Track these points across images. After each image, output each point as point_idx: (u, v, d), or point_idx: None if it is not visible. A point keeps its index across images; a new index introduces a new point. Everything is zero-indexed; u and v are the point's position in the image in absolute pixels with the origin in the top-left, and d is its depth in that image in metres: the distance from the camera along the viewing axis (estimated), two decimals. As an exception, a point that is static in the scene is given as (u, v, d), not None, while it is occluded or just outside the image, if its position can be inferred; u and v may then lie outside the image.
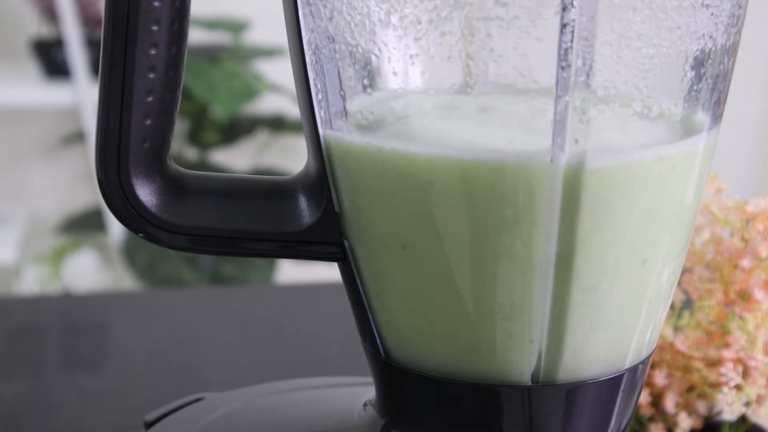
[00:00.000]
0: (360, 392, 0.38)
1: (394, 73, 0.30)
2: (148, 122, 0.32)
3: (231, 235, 0.34)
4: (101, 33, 0.32)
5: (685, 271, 0.44)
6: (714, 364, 0.44)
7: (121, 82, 0.32)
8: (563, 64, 0.28)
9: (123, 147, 0.32)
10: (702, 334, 0.44)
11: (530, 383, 0.31)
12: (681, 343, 0.44)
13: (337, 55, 0.31)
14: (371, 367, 0.35)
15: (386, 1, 0.29)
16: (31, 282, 1.76)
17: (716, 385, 0.43)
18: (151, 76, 0.32)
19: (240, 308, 0.77)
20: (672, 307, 0.46)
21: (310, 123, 0.32)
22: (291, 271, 1.75)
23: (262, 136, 1.84)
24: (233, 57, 1.65)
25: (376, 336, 0.34)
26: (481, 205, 0.29)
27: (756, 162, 2.08)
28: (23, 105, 1.70)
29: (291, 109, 1.78)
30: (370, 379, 0.36)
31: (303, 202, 0.34)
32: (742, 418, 0.44)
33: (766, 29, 1.74)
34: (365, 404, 0.36)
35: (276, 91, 1.66)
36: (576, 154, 0.29)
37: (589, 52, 0.28)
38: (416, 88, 0.31)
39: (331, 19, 0.30)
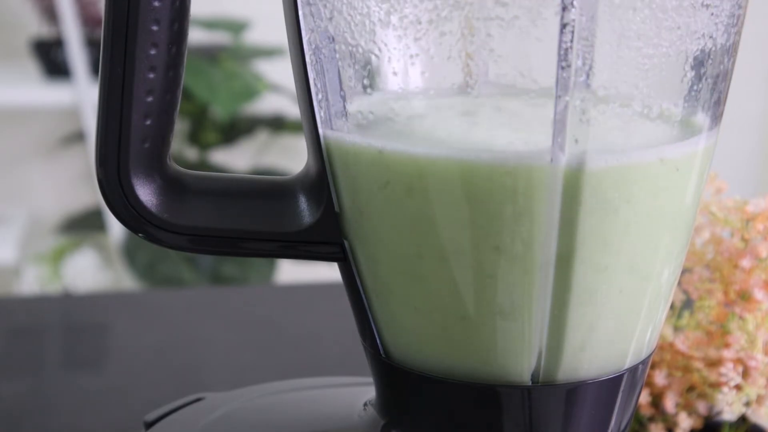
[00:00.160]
0: (360, 392, 0.38)
1: (394, 73, 0.30)
2: (148, 122, 0.32)
3: (231, 235, 0.34)
4: (101, 33, 0.32)
5: (685, 271, 0.44)
6: (714, 364, 0.44)
7: (121, 82, 0.32)
8: (563, 64, 0.28)
9: (123, 147, 0.32)
10: (702, 334, 0.44)
11: (530, 383, 0.31)
12: (681, 343, 0.44)
13: (337, 55, 0.31)
14: (371, 367, 0.35)
15: (386, 1, 0.29)
16: (31, 282, 1.76)
17: (716, 385, 0.43)
18: (151, 76, 0.32)
19: (240, 308, 0.77)
20: (672, 307, 0.46)
21: (310, 123, 0.32)
22: (291, 271, 1.75)
23: (262, 136, 1.84)
24: (233, 57, 1.65)
25: (376, 336, 0.34)
26: (481, 205, 0.29)
27: (756, 162, 2.08)
28: (23, 105, 1.69)
29: (291, 109, 1.78)
30: (370, 379, 0.36)
31: (303, 202, 0.34)
32: (742, 418, 0.44)
33: (766, 29, 1.74)
34: (365, 404, 0.36)
35: (276, 91, 1.66)
36: (576, 154, 0.29)
37: (589, 52, 0.28)
38: (416, 88, 0.31)
39: (331, 19, 0.30)
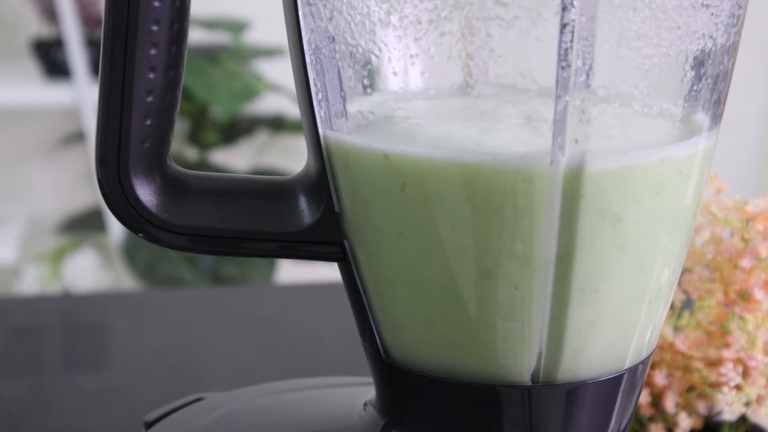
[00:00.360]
0: (360, 392, 0.38)
1: (394, 73, 0.30)
2: (148, 122, 0.32)
3: (231, 235, 0.34)
4: (101, 33, 0.32)
5: (685, 271, 0.44)
6: (714, 364, 0.44)
7: (121, 82, 0.32)
8: (563, 64, 0.28)
9: (123, 147, 0.32)
10: (702, 334, 0.44)
11: (530, 383, 0.31)
12: (681, 343, 0.44)
13: (337, 55, 0.31)
14: (371, 367, 0.35)
15: (386, 1, 0.29)
16: (31, 282, 1.76)
17: (716, 385, 0.43)
18: (151, 76, 0.32)
19: (240, 308, 0.77)
20: (672, 307, 0.46)
21: (310, 123, 0.32)
22: (291, 271, 1.75)
23: (262, 136, 1.84)
24: (233, 57, 1.65)
25: (376, 336, 0.34)
26: (481, 205, 0.29)
27: (756, 162, 2.08)
28: (23, 105, 1.69)
29: (291, 109, 1.78)
30: (370, 379, 0.36)
31: (303, 202, 0.34)
32: (742, 418, 0.44)
33: (766, 29, 1.74)
34: (365, 404, 0.36)
35: (276, 91, 1.66)
36: (576, 155, 0.29)
37: (589, 52, 0.28)
38: (416, 88, 0.31)
39: (331, 19, 0.30)
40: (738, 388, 0.43)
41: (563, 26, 0.28)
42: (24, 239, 1.75)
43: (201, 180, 0.34)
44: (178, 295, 0.92)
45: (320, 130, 0.32)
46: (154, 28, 0.31)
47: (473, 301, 0.31)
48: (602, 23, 0.28)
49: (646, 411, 0.45)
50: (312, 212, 0.33)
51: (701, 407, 0.44)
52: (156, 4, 0.31)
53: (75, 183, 1.88)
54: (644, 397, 0.45)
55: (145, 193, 0.33)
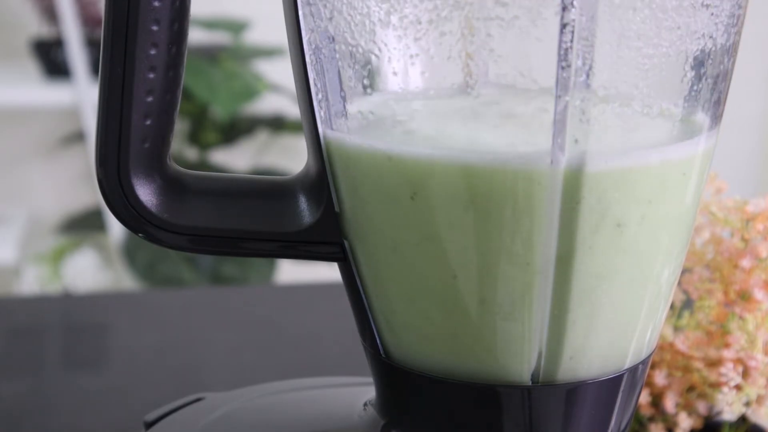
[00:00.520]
0: (360, 392, 0.38)
1: (394, 73, 0.30)
2: (148, 122, 0.32)
3: (231, 235, 0.34)
4: (101, 33, 0.32)
5: (685, 271, 0.44)
6: (714, 364, 0.44)
7: (121, 82, 0.32)
8: (563, 64, 0.28)
9: (123, 147, 0.32)
10: (702, 334, 0.44)
11: (530, 383, 0.31)
12: (681, 343, 0.44)
13: (337, 55, 0.31)
14: (371, 367, 0.35)
15: (386, 1, 0.29)
16: (31, 282, 1.76)
17: (716, 385, 0.43)
18: (151, 76, 0.32)
19: (240, 308, 0.77)
20: (672, 307, 0.46)
21: (310, 123, 0.32)
22: (291, 271, 1.75)
23: (262, 136, 1.84)
24: (233, 57, 1.65)
25: (376, 336, 0.34)
26: (481, 205, 0.29)
27: (756, 162, 2.08)
28: (23, 105, 1.69)
29: (291, 109, 1.78)
30: (370, 379, 0.36)
31: (303, 202, 0.34)
32: (742, 418, 0.44)
33: (766, 29, 1.74)
34: (365, 404, 0.36)
35: (276, 91, 1.66)
36: (576, 155, 0.29)
37: (589, 52, 0.28)
38: (416, 88, 0.31)
39: (331, 19, 0.30)
40: (738, 388, 0.43)
41: (563, 26, 0.28)
42: (24, 239, 1.75)
43: (201, 180, 0.34)
44: (178, 295, 0.92)
45: (320, 130, 0.32)
46: (154, 28, 0.31)
47: (473, 301, 0.31)
48: (602, 23, 0.28)
49: (646, 411, 0.45)
50: (312, 212, 0.33)
51: (701, 407, 0.44)
52: (156, 4, 0.31)
53: (75, 183, 1.88)
54: (644, 397, 0.45)
55: (145, 193, 0.33)
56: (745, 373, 0.43)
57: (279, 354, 0.67)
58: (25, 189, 1.89)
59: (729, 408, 0.43)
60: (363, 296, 0.33)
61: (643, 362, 0.33)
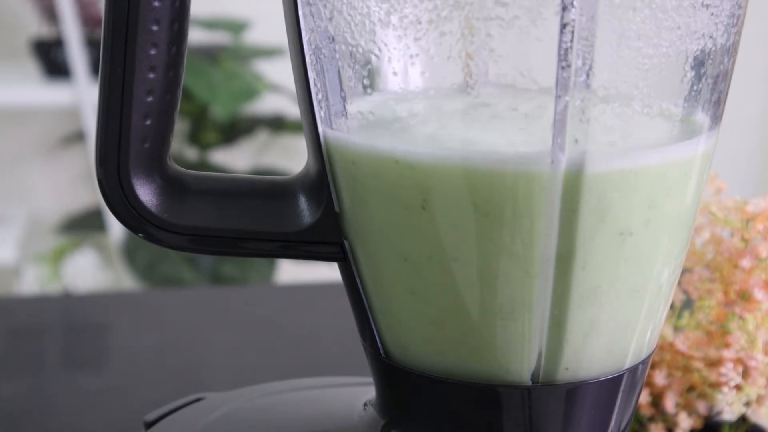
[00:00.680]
0: (360, 392, 0.38)
1: (394, 73, 0.30)
2: (148, 122, 0.32)
3: (231, 235, 0.34)
4: (101, 33, 0.32)
5: (685, 271, 0.44)
6: (714, 364, 0.44)
7: (121, 82, 0.32)
8: (563, 64, 0.28)
9: (123, 147, 0.32)
10: (702, 334, 0.44)
11: (530, 383, 0.31)
12: (681, 343, 0.44)
13: (337, 55, 0.31)
14: (371, 367, 0.35)
15: (386, 1, 0.29)
16: (31, 282, 1.76)
17: (716, 385, 0.43)
18: (151, 76, 0.32)
19: (240, 308, 0.77)
20: (672, 307, 0.46)
21: (310, 123, 0.32)
22: (291, 271, 1.75)
23: (262, 136, 1.84)
24: (233, 57, 1.65)
25: (376, 336, 0.34)
26: (481, 205, 0.29)
27: (756, 162, 2.08)
28: (23, 105, 1.69)
29: (291, 109, 1.78)
30: (370, 379, 0.36)
31: (303, 202, 0.34)
32: (742, 418, 0.44)
33: (766, 29, 1.74)
34: (365, 404, 0.36)
35: (276, 91, 1.66)
36: (576, 155, 0.29)
37: (589, 52, 0.28)
38: (416, 88, 0.31)
39: (331, 19, 0.30)
40: (738, 388, 0.43)
41: (563, 26, 0.28)
42: (24, 239, 1.75)
43: (201, 180, 0.34)
44: (178, 295, 0.92)
45: (320, 130, 0.32)
46: (154, 28, 0.31)
47: (473, 301, 0.31)
48: (602, 23, 0.28)
49: (646, 411, 0.45)
50: (312, 212, 0.33)
51: (701, 407, 0.44)
52: (156, 4, 0.31)
53: (75, 183, 1.88)
54: (644, 397, 0.45)
55: (145, 193, 0.33)
56: (745, 373, 0.43)
57: (279, 354, 0.67)
58: (25, 189, 1.89)
59: (729, 408, 0.43)
60: (363, 296, 0.33)
61: (643, 362, 0.33)
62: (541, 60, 0.29)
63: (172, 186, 0.34)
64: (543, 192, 0.29)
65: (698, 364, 0.44)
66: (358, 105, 0.31)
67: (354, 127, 0.31)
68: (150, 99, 0.32)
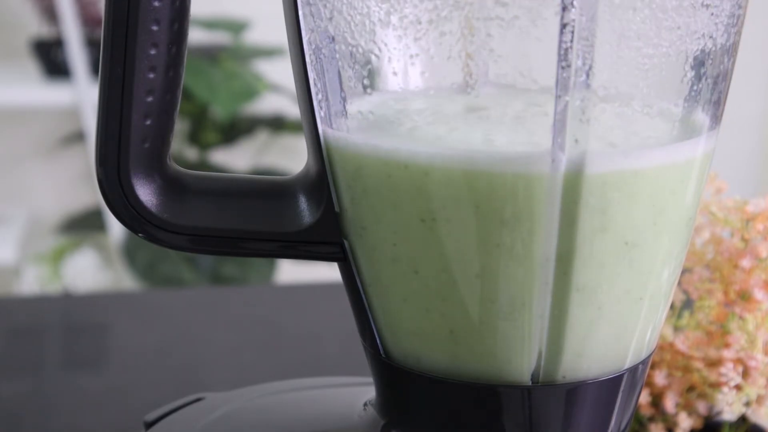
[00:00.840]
0: (360, 392, 0.38)
1: (394, 73, 0.30)
2: (148, 122, 0.32)
3: (231, 235, 0.34)
4: (101, 33, 0.32)
5: (685, 271, 0.44)
6: (714, 364, 0.44)
7: (121, 82, 0.32)
8: (563, 64, 0.28)
9: (123, 147, 0.32)
10: (702, 334, 0.44)
11: (530, 383, 0.31)
12: (681, 343, 0.44)
13: (337, 55, 0.31)
14: (371, 367, 0.35)
15: (386, 1, 0.29)
16: (31, 282, 1.76)
17: (716, 385, 0.43)
18: (151, 76, 0.32)
19: (240, 308, 0.77)
20: (672, 307, 0.46)
21: (310, 123, 0.32)
22: (291, 271, 1.75)
23: (262, 136, 1.84)
24: (233, 57, 1.65)
25: (376, 336, 0.34)
26: (481, 205, 0.29)
27: (756, 162, 2.08)
28: (23, 105, 1.70)
29: (291, 109, 1.78)
30: (370, 379, 0.36)
31: (303, 202, 0.34)
32: (742, 418, 0.44)
33: (766, 29, 1.74)
34: (365, 404, 0.36)
35: (276, 91, 1.66)
36: (576, 154, 0.29)
37: (589, 52, 0.28)
38: (416, 88, 0.31)
39: (331, 19, 0.30)
40: (738, 388, 0.43)
41: (563, 26, 0.28)
42: (24, 239, 1.75)
43: (201, 180, 0.34)
44: (178, 295, 0.92)
45: (320, 130, 0.32)
46: (154, 28, 0.31)
47: (473, 301, 0.31)
48: (602, 23, 0.28)
49: (646, 411, 0.45)
50: (312, 212, 0.33)
51: (701, 407, 0.44)
52: (156, 4, 0.31)
53: (75, 183, 1.88)
54: (644, 397, 0.45)
55: (145, 193, 0.33)
56: (745, 373, 0.43)
57: (279, 354, 0.67)
58: (25, 189, 1.89)
59: (729, 408, 0.43)
60: (363, 296, 0.33)
61: (643, 362, 0.33)
62: (541, 60, 0.29)
63: (172, 186, 0.34)
64: (543, 192, 0.29)
65: (698, 364, 0.44)
66: (358, 105, 0.31)
67: (354, 127, 0.31)
68: (150, 99, 0.32)
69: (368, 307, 0.33)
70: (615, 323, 0.31)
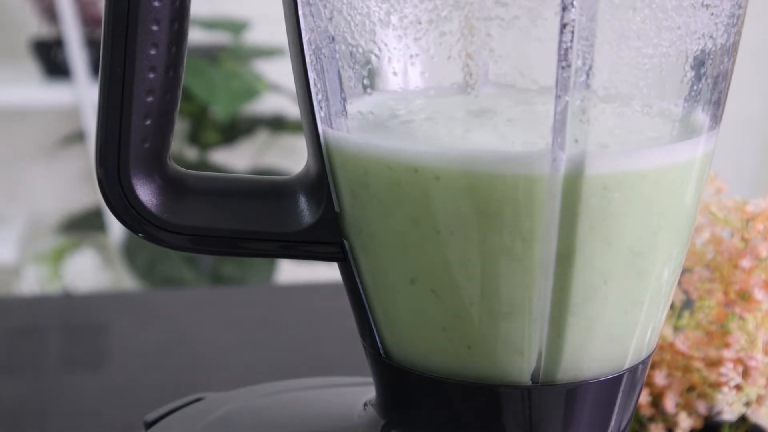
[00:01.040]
0: (360, 392, 0.38)
1: (394, 73, 0.30)
2: (148, 122, 0.32)
3: (231, 235, 0.34)
4: (101, 33, 0.32)
5: (685, 271, 0.44)
6: (714, 364, 0.44)
7: (121, 82, 0.32)
8: (563, 64, 0.28)
9: (123, 147, 0.32)
10: (702, 334, 0.44)
11: (530, 383, 0.31)
12: (681, 343, 0.44)
13: (337, 55, 0.31)
14: (371, 367, 0.35)
15: (386, 1, 0.29)
16: (31, 282, 1.76)
17: (716, 385, 0.43)
18: (151, 76, 0.32)
19: (240, 308, 0.77)
20: (672, 307, 0.46)
21: (310, 123, 0.32)
22: (291, 271, 1.75)
23: (262, 136, 1.84)
24: (233, 57, 1.65)
25: (376, 336, 0.34)
26: (481, 205, 0.29)
27: (756, 162, 2.08)
28: (23, 105, 1.70)
29: (291, 109, 1.78)
30: (370, 379, 0.36)
31: (303, 202, 0.34)
32: (742, 418, 0.44)
33: (766, 29, 1.74)
34: (365, 404, 0.36)
35: (276, 91, 1.66)
36: (576, 154, 0.29)
37: (589, 52, 0.28)
38: (416, 88, 0.31)
39: (331, 19, 0.30)
40: (738, 388, 0.43)
41: (563, 26, 0.28)
42: (24, 239, 1.75)
43: (201, 180, 0.34)
44: (178, 295, 0.92)
45: (320, 130, 0.32)
46: (154, 28, 0.31)
47: (473, 301, 0.31)
48: (602, 23, 0.28)
49: (646, 411, 0.45)
50: (312, 212, 0.33)
51: (701, 407, 0.44)
52: (156, 4, 0.31)
53: (75, 183, 1.88)
54: (644, 397, 0.45)
55: (145, 193, 0.33)
56: (745, 373, 0.43)
57: (279, 354, 0.67)
58: (25, 189, 1.89)
59: (729, 408, 0.43)
60: (363, 296, 0.33)
61: (643, 362, 0.33)
62: (541, 60, 0.29)
63: (172, 186, 0.34)
64: (543, 192, 0.29)
65: (698, 364, 0.44)
66: (358, 105, 0.31)
67: (354, 127, 0.31)
68: (150, 99, 0.32)
69: (368, 307, 0.33)
70: (615, 323, 0.31)
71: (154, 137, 0.33)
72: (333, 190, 0.33)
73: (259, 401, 0.40)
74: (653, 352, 0.34)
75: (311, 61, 0.31)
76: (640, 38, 0.29)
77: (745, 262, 0.42)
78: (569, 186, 0.29)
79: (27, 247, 1.77)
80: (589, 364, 0.32)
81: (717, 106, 0.32)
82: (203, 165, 1.74)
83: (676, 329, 0.46)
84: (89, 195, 1.83)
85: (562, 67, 0.28)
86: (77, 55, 1.56)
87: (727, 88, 0.32)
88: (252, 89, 1.57)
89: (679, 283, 0.44)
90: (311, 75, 0.32)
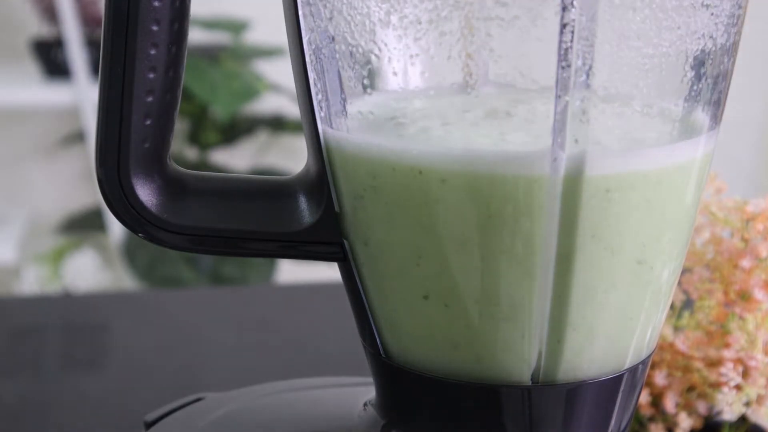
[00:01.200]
0: (360, 392, 0.38)
1: (394, 73, 0.30)
2: (148, 122, 0.32)
3: (231, 235, 0.34)
4: (101, 33, 0.32)
5: (685, 271, 0.44)
6: (714, 364, 0.44)
7: (121, 82, 0.32)
8: (563, 64, 0.28)
9: (123, 147, 0.32)
10: (702, 334, 0.44)
11: (530, 383, 0.31)
12: (681, 343, 0.44)
13: (337, 55, 0.31)
14: (371, 367, 0.35)
15: (386, 1, 0.29)
16: (31, 282, 1.76)
17: (716, 385, 0.43)
18: (151, 76, 0.32)
19: (240, 308, 0.77)
20: (672, 307, 0.46)
21: (310, 123, 0.32)
22: (291, 271, 1.75)
23: (262, 136, 1.84)
24: (233, 57, 1.65)
25: (376, 336, 0.34)
26: (481, 205, 0.29)
27: (756, 162, 2.08)
28: (23, 105, 1.70)
29: (291, 109, 1.78)
30: (370, 379, 0.36)
31: (303, 202, 0.34)
32: (742, 418, 0.44)
33: (766, 29, 1.74)
34: (365, 404, 0.36)
35: (276, 91, 1.66)
36: (576, 154, 0.29)
37: (589, 52, 0.28)
38: (416, 88, 0.31)
39: (331, 19, 0.30)
40: (738, 388, 0.43)
41: (563, 26, 0.28)
42: (24, 239, 1.75)
43: (201, 180, 0.34)
44: (178, 295, 0.92)
45: (320, 130, 0.32)
46: (154, 28, 0.31)
47: (473, 301, 0.31)
48: (602, 23, 0.28)
49: (646, 411, 0.45)
50: (312, 212, 0.33)
51: (701, 407, 0.44)
52: (156, 4, 0.31)
53: (75, 183, 1.88)
54: (644, 397, 0.45)
55: (145, 193, 0.33)
56: (745, 373, 0.43)
57: (279, 354, 0.67)
58: (25, 189, 1.89)
59: (729, 408, 0.43)
60: (363, 296, 0.33)
61: (643, 362, 0.33)
62: (541, 60, 0.29)
63: (172, 186, 0.34)
64: (543, 192, 0.29)
65: (698, 364, 0.44)
66: (358, 105, 0.31)
67: (354, 127, 0.31)
68: (150, 99, 0.32)
69: (368, 307, 0.33)
70: (615, 323, 0.31)
71: (154, 137, 0.33)
72: (333, 190, 0.33)
73: (259, 401, 0.40)
74: (653, 352, 0.34)
75: (311, 61, 0.31)
76: (640, 38, 0.29)
77: (745, 262, 0.42)
78: (569, 186, 0.29)
79: (27, 247, 1.77)
80: (589, 364, 0.32)
81: (717, 106, 0.32)
82: (203, 165, 1.74)
83: (676, 329, 0.46)
84: (89, 195, 1.83)
85: (562, 67, 0.28)
86: (77, 55, 1.56)
87: (727, 88, 0.32)
88: (252, 89, 1.57)
89: (679, 283, 0.44)
90: (311, 75, 0.32)
